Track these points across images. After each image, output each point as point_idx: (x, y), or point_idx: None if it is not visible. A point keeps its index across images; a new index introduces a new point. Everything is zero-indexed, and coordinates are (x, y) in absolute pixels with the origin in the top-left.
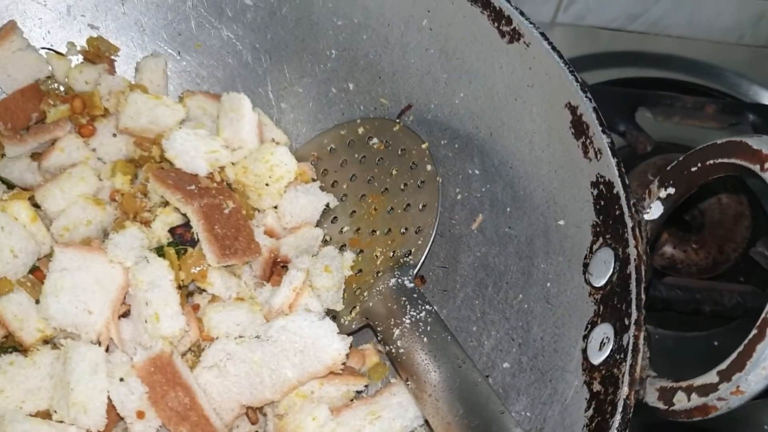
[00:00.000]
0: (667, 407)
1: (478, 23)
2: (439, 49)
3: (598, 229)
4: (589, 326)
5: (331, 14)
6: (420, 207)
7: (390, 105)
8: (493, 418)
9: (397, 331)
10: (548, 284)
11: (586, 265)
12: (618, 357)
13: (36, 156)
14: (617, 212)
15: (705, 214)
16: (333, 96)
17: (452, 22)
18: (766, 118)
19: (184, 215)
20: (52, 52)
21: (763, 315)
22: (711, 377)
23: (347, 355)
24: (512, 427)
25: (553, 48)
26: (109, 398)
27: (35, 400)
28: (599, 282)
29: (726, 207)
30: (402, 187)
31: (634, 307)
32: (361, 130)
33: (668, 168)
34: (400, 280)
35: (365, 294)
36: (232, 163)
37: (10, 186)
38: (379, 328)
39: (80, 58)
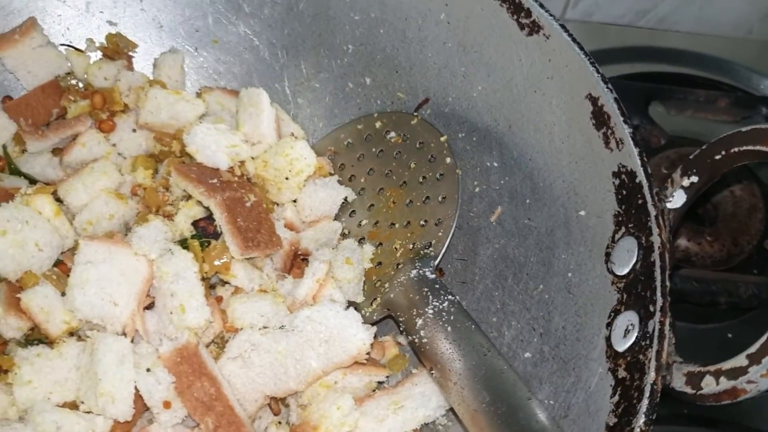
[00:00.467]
0: (695, 391)
1: (496, 16)
2: (456, 43)
3: (620, 219)
4: (613, 314)
5: (348, 9)
6: (439, 199)
7: (407, 99)
8: (520, 404)
9: (419, 321)
10: (569, 274)
11: (608, 255)
12: (643, 343)
13: (57, 151)
14: (640, 201)
15: (718, 207)
16: (349, 91)
17: (470, 15)
18: None
19: (207, 208)
20: (71, 48)
21: None
22: (740, 360)
23: (371, 345)
24: (539, 413)
25: (573, 40)
26: (135, 388)
27: (62, 391)
28: (622, 270)
29: (739, 199)
30: (420, 180)
31: (659, 294)
32: (378, 124)
33: (691, 156)
34: (421, 272)
35: (386, 286)
36: (252, 158)
37: (33, 181)
38: (401, 319)
39: (99, 54)
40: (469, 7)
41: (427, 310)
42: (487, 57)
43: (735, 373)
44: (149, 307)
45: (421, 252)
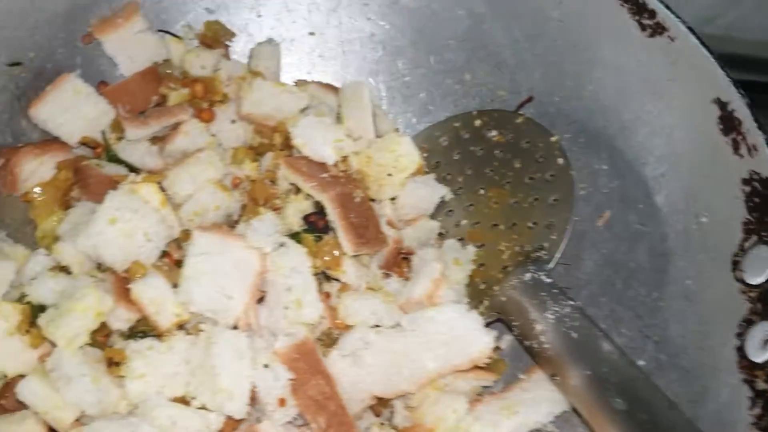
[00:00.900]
0: None
1: (616, 16)
2: (568, 42)
3: (751, 227)
4: (745, 324)
5: (452, 4)
6: (551, 201)
7: (508, 97)
8: (661, 413)
9: (539, 327)
10: (688, 282)
11: (736, 263)
12: None
13: (155, 140)
14: None
15: None
16: (446, 87)
17: (586, 14)
18: None
19: (315, 203)
20: (169, 35)
21: None
22: None
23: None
24: (684, 422)
25: (702, 43)
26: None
27: (173, 386)
28: (755, 279)
29: None
30: (528, 180)
31: None
32: (477, 122)
33: None
34: (536, 275)
35: (495, 288)
36: (355, 153)
37: (132, 169)
38: (515, 323)
39: (195, 42)
40: (584, 7)
41: (546, 315)
42: (600, 57)
43: None
44: (258, 301)
45: (532, 255)
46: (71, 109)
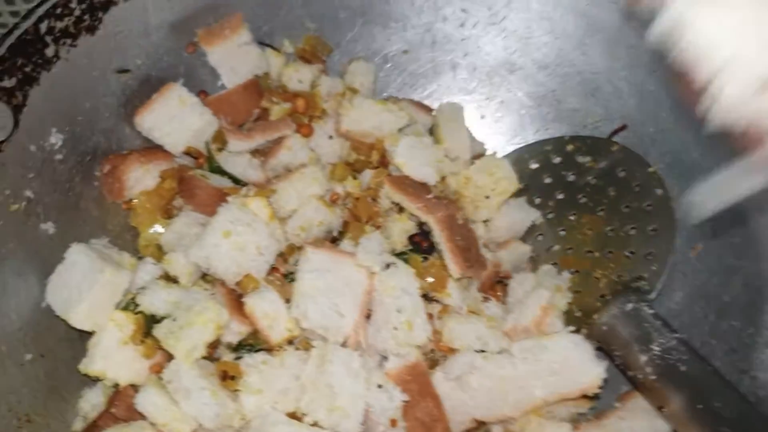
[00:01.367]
0: None
1: None
2: (666, 72)
3: None
4: None
5: (549, 28)
6: (650, 231)
7: (600, 124)
8: None
9: (644, 358)
10: None
11: None
12: None
13: (255, 153)
14: None
15: None
16: (537, 111)
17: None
18: None
19: (418, 223)
20: (269, 48)
21: None
22: None
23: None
24: None
25: None
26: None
27: (285, 402)
28: None
29: None
30: (624, 209)
31: None
32: (570, 147)
33: None
34: (638, 306)
35: (594, 317)
36: (453, 174)
37: (236, 181)
38: (617, 353)
39: (293, 56)
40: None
41: (652, 347)
42: None
43: None
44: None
45: (632, 285)
46: (176, 119)
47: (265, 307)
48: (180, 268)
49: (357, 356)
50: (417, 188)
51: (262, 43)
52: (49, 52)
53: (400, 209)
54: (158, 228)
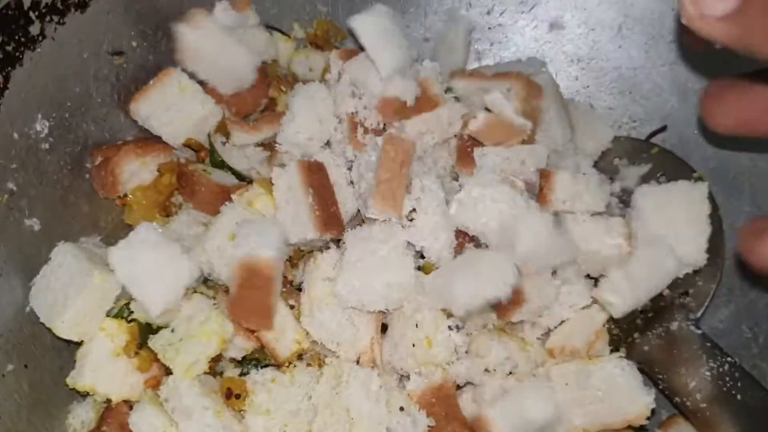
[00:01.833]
0: None
1: None
2: (711, 69)
3: None
4: None
5: (584, 17)
6: None
7: (638, 124)
8: None
9: (693, 383)
10: None
11: None
12: None
13: (263, 146)
14: None
15: None
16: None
17: None
18: None
19: None
20: (278, 32)
21: None
22: None
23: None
24: None
25: None
26: None
27: (296, 424)
28: None
29: None
30: None
31: None
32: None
33: None
34: (683, 325)
35: (634, 336)
36: None
37: (240, 177)
38: (660, 376)
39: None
40: None
41: (702, 371)
42: None
43: None
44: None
45: (677, 302)
46: (175, 107)
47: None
48: None
49: (376, 376)
50: None
51: (270, 27)
52: (34, 29)
53: None
54: (156, 226)
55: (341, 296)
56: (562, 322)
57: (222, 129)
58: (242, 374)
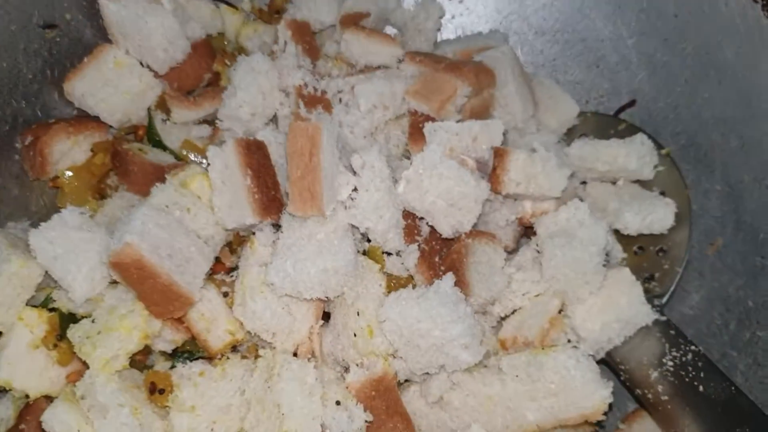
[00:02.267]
0: None
1: (745, 12)
2: (683, 41)
3: None
4: None
5: None
6: None
7: (606, 99)
8: None
9: (655, 374)
10: None
11: None
12: None
13: (205, 123)
14: None
15: None
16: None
17: (707, 11)
18: None
19: None
20: (225, 4)
21: None
22: None
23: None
24: None
25: None
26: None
27: (226, 421)
28: None
29: None
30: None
31: None
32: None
33: None
34: None
35: None
36: None
37: (177, 157)
38: (622, 366)
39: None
40: (706, 2)
41: (665, 361)
42: (721, 61)
43: None
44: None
45: (642, 286)
46: (112, 84)
47: (202, 309)
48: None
49: (312, 368)
50: None
51: (219, 0)
52: None
53: None
54: (82, 210)
55: (274, 283)
56: (515, 311)
57: (162, 105)
58: (173, 368)
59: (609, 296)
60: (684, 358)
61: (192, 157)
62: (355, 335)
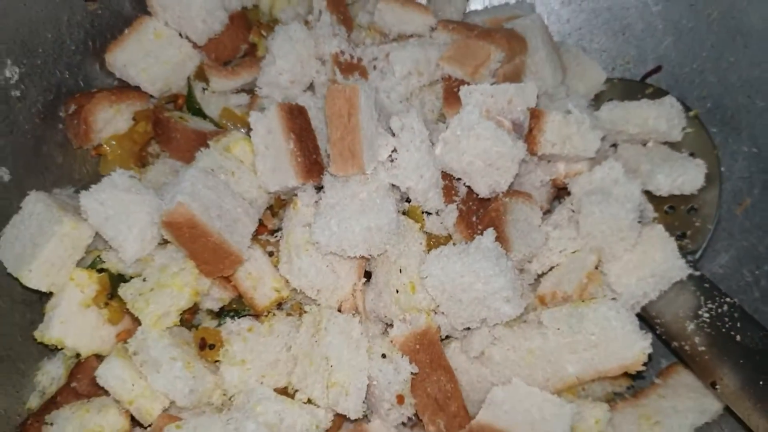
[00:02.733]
0: None
1: None
2: (708, 6)
3: None
4: None
5: None
6: None
7: (633, 66)
8: None
9: (691, 326)
10: None
11: None
12: None
13: (243, 92)
14: None
15: None
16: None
17: None
18: None
19: None
20: None
21: None
22: None
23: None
24: None
25: None
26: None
27: (274, 375)
28: None
29: None
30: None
31: None
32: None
33: None
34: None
35: None
36: None
37: (217, 125)
38: (658, 320)
39: None
40: None
41: (701, 313)
42: (747, 25)
43: None
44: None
45: (676, 243)
46: (153, 54)
47: (249, 267)
48: None
49: (357, 323)
50: None
51: None
52: None
53: None
54: (130, 173)
55: (319, 242)
56: (552, 268)
57: (201, 75)
58: (219, 326)
59: (644, 252)
60: (720, 310)
61: (230, 126)
62: (397, 292)
